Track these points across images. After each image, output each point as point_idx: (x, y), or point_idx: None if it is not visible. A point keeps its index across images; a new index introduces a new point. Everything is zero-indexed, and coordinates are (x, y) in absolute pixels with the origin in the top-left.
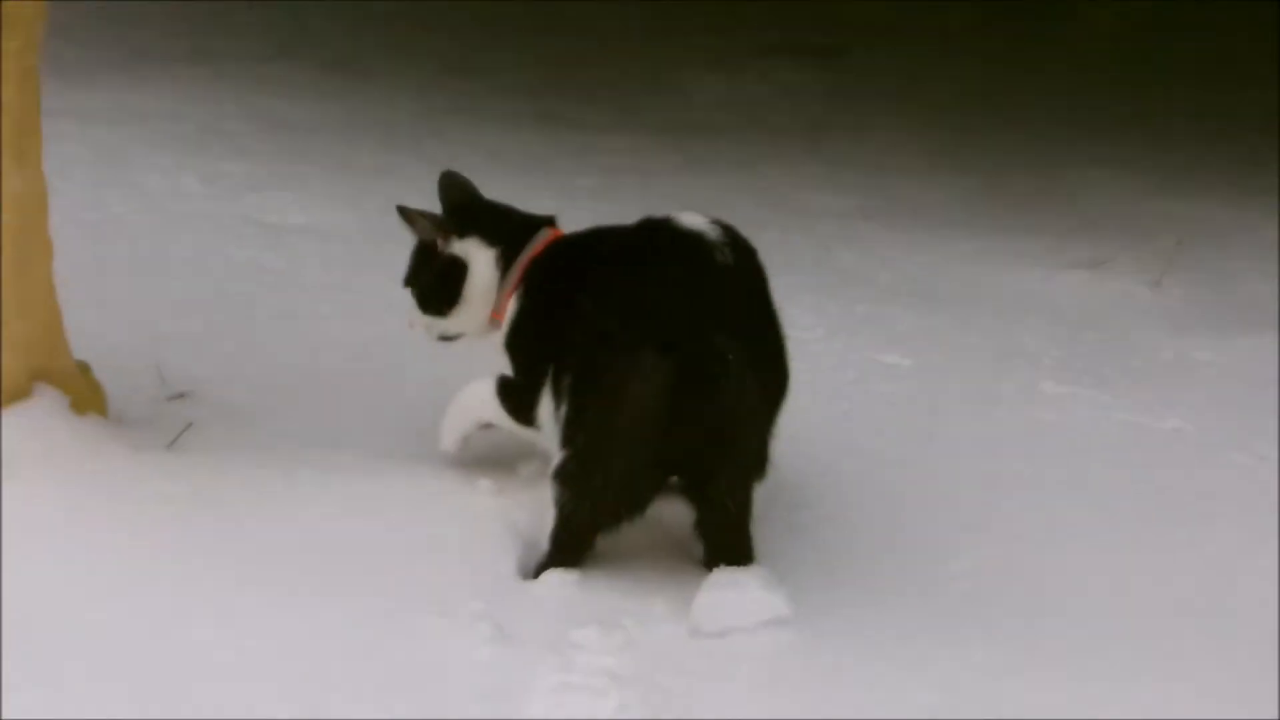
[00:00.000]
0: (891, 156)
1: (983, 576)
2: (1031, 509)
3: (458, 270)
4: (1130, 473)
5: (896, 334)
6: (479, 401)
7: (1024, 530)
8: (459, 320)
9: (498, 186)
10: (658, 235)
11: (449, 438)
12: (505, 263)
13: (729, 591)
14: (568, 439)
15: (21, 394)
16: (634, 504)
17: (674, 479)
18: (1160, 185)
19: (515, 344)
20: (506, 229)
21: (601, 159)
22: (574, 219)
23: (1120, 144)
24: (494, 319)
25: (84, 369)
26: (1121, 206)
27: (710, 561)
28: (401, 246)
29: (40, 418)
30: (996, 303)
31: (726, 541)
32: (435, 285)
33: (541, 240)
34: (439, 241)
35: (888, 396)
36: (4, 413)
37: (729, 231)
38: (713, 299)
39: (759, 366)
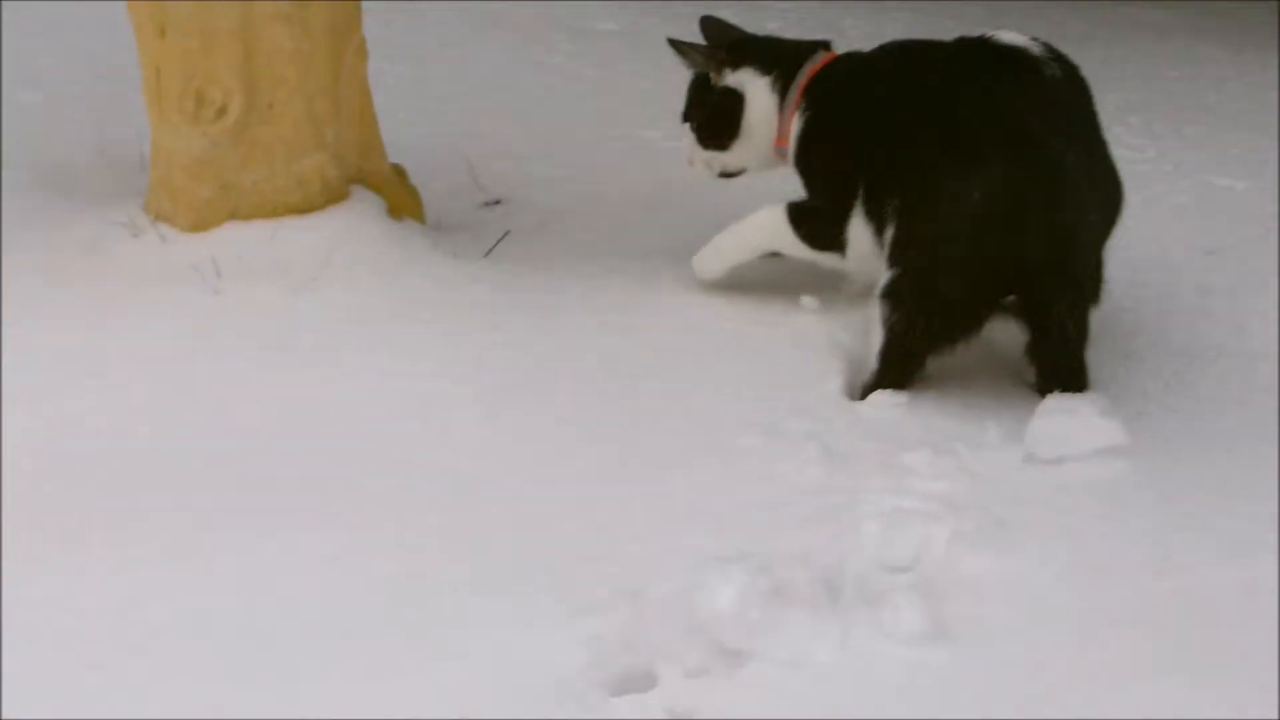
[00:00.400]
0: None
1: None
2: None
3: (734, 101)
4: None
5: (1229, 157)
6: (765, 231)
7: None
8: (740, 154)
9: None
10: (978, 52)
11: (714, 266)
12: (783, 87)
13: (1065, 418)
14: (897, 256)
15: (339, 197)
16: (969, 323)
17: (1010, 299)
18: None
19: (811, 160)
20: (780, 55)
21: None
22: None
23: None
24: (779, 146)
25: (400, 173)
26: None
27: (1044, 387)
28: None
29: (358, 222)
30: None
31: (1063, 365)
32: (713, 118)
33: (819, 61)
34: (712, 75)
35: (1223, 220)
36: (323, 216)
37: (1051, 49)
38: (1045, 111)
39: (1094, 183)
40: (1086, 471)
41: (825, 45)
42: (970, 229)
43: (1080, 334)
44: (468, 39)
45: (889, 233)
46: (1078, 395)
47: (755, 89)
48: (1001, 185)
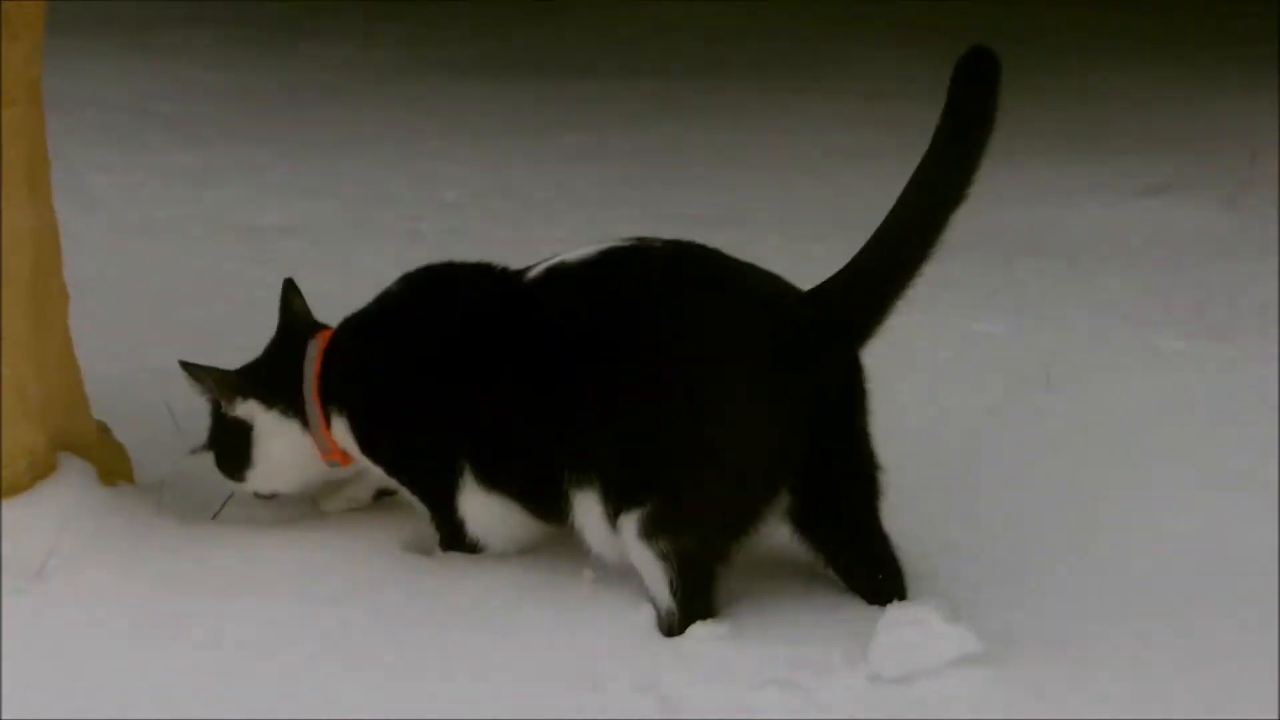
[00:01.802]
0: (899, 81)
1: (1166, 574)
2: (1200, 494)
3: (244, 431)
4: None
5: (978, 295)
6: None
7: (1196, 524)
8: (267, 481)
9: (478, 155)
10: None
11: None
12: (297, 407)
13: (909, 629)
14: (641, 489)
15: (47, 469)
16: (751, 523)
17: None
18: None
19: (395, 456)
20: (276, 372)
21: (582, 108)
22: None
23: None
24: (331, 460)
25: (104, 429)
26: (1178, 120)
27: (869, 597)
28: (391, 240)
29: (74, 497)
30: (1069, 244)
31: (876, 569)
32: (226, 448)
33: (316, 354)
34: (224, 402)
35: (990, 369)
36: (33, 496)
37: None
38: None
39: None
40: (942, 688)
41: (316, 326)
42: (731, 436)
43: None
44: (124, 243)
45: (583, 482)
46: (917, 603)
47: (264, 422)
48: (746, 387)
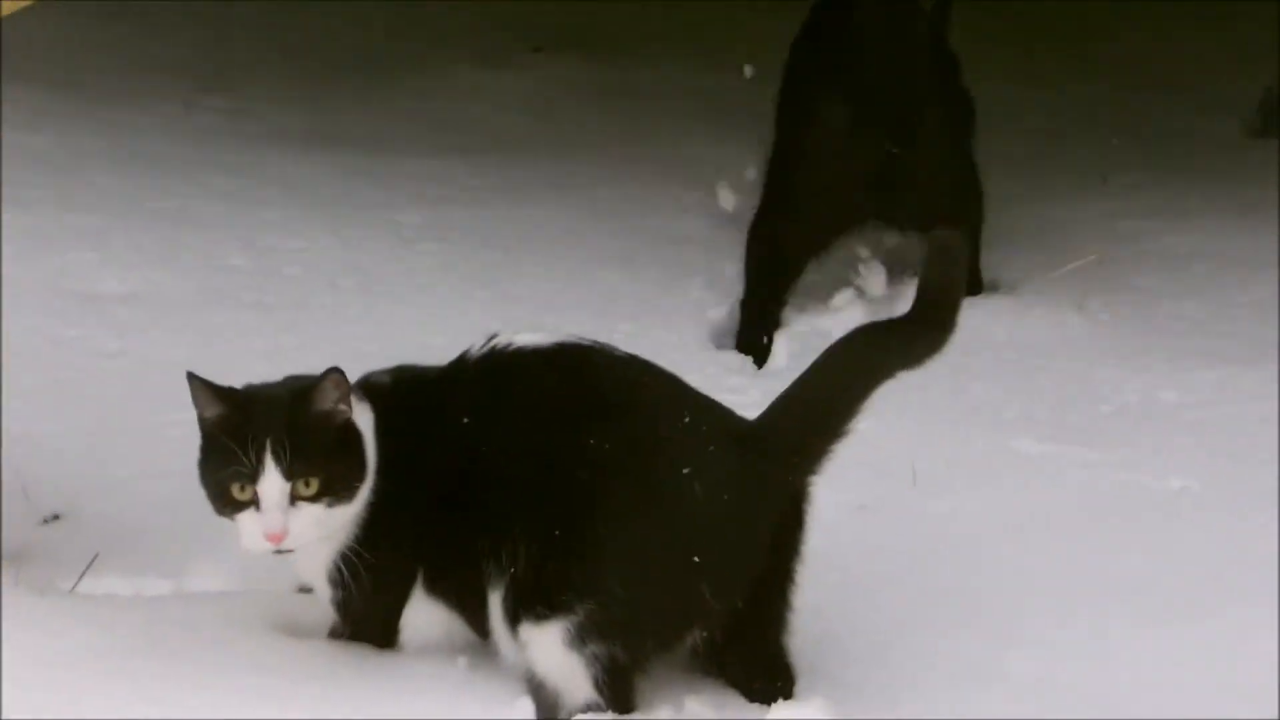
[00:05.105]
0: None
1: (1041, 672)
2: (1060, 599)
3: None
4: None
5: None
6: None
7: (1074, 634)
8: None
9: (318, 229)
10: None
11: None
12: None
13: None
14: (576, 595)
15: None
16: (683, 630)
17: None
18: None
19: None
20: None
21: (420, 185)
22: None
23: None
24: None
25: None
26: (1027, 220)
27: (751, 697)
28: (237, 311)
29: None
30: None
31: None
32: None
33: None
34: None
35: (858, 466)
36: None
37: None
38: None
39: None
40: None
41: None
42: (677, 555)
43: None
44: None
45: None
46: (801, 702)
47: None
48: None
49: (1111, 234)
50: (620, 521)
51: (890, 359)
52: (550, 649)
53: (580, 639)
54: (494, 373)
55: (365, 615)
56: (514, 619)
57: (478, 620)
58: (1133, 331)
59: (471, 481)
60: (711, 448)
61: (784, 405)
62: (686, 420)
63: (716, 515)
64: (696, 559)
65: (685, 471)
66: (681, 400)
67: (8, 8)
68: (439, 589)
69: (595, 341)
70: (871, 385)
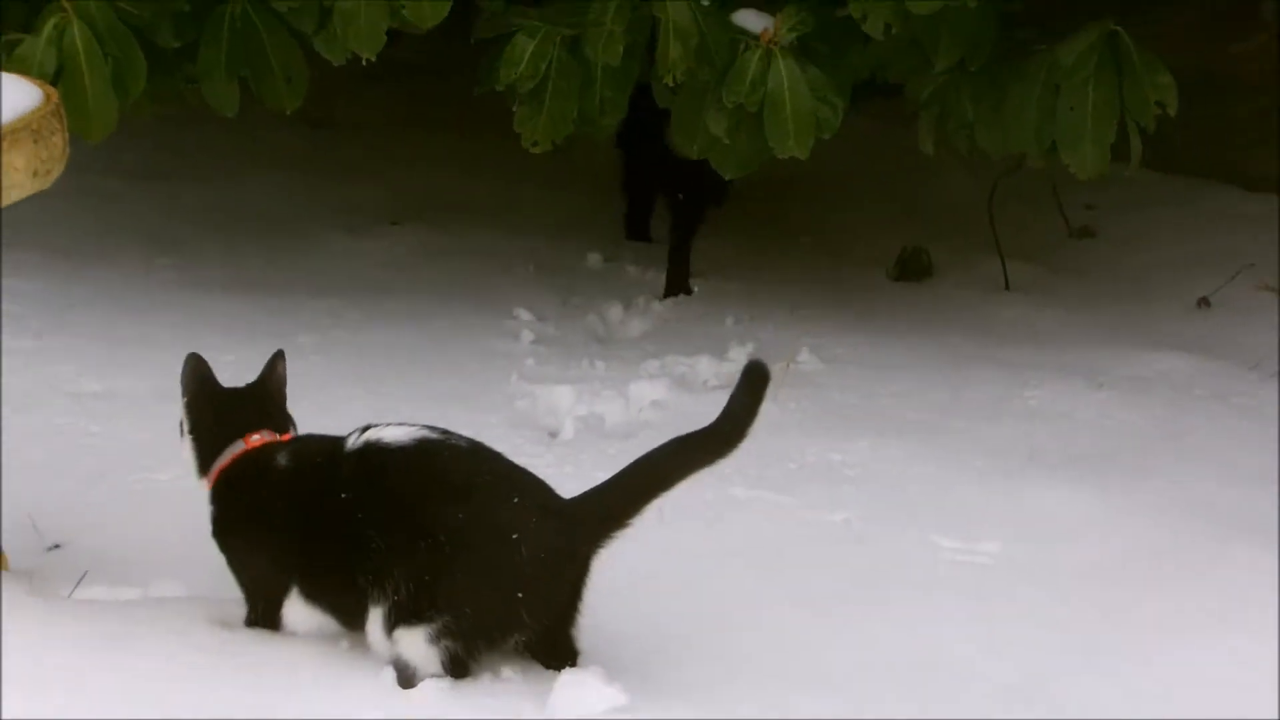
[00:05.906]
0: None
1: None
2: (763, 600)
3: None
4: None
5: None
6: None
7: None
8: None
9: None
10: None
11: None
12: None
13: (576, 688)
14: (438, 608)
15: None
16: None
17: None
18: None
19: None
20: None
21: (309, 317)
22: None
23: None
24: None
25: None
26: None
27: (548, 665)
28: None
29: None
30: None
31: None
32: None
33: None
34: None
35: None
36: None
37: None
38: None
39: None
40: None
41: (247, 427)
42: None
43: None
44: None
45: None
46: (583, 669)
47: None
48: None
49: (800, 348)
50: (469, 567)
51: (689, 466)
52: (416, 644)
53: (437, 638)
54: (367, 456)
55: (253, 607)
56: (392, 626)
57: (349, 621)
58: (810, 414)
59: (349, 534)
60: (534, 520)
61: (594, 493)
62: (515, 500)
63: (534, 566)
64: (520, 594)
65: (514, 537)
66: (512, 479)
67: (12, 197)
68: (314, 599)
69: (445, 430)
70: (664, 489)
